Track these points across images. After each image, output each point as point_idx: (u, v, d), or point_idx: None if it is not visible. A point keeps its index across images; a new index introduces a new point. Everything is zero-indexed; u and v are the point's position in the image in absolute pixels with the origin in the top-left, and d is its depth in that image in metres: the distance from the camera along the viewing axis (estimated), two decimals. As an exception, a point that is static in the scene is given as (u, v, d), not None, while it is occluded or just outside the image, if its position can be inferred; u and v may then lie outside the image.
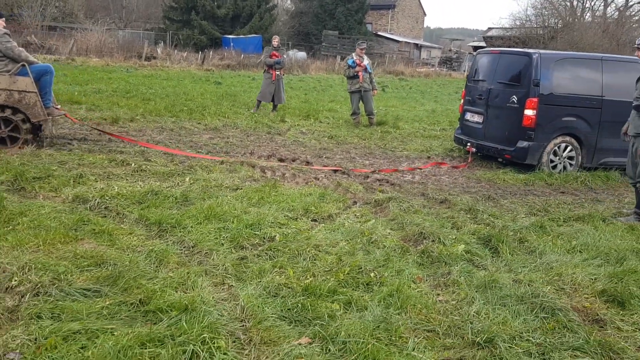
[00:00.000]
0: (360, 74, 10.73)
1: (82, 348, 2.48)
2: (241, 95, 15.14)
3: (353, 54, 11.06)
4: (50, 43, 26.23)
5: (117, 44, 27.71)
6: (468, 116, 8.56)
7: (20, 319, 2.74)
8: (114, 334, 2.61)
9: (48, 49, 25.19)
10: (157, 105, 11.39)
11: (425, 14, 55.33)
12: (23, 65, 6.53)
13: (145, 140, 7.92)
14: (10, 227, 3.98)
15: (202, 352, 2.49)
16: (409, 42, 46.30)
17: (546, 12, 37.67)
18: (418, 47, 48.05)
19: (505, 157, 7.72)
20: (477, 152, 8.25)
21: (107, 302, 2.93)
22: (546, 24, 37.11)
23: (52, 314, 2.77)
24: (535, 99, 7.31)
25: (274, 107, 12.24)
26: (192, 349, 2.50)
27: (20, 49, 6.64)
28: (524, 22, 38.89)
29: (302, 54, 34.20)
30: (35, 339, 2.53)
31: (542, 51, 7.70)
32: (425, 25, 59.34)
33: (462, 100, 8.93)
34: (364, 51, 10.98)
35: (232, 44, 35.60)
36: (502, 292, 3.37)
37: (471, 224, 4.84)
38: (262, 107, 12.30)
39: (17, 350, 2.43)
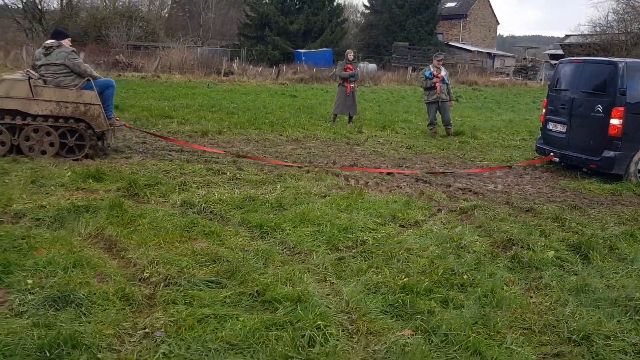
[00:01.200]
0: (437, 85, 10.88)
1: (214, 329, 2.85)
2: (317, 107, 15.61)
3: (430, 65, 11.23)
4: (137, 61, 28.02)
5: (196, 60, 29.17)
6: (550, 126, 8.51)
7: (157, 304, 3.15)
8: (239, 319, 2.96)
9: (135, 66, 26.90)
10: (240, 119, 12.01)
11: (498, 23, 54.27)
12: (88, 80, 7.15)
13: (235, 151, 8.44)
14: (133, 227, 4.47)
15: (318, 337, 2.79)
16: (481, 52, 45.57)
17: (629, 18, 35.91)
18: (491, 56, 47.17)
19: (590, 167, 7.62)
20: (560, 161, 8.19)
21: (229, 292, 3.30)
22: (629, 29, 35.40)
23: (184, 300, 3.17)
24: (621, 108, 7.21)
25: (350, 118, 12.57)
26: (309, 334, 2.80)
27: (86, 65, 7.30)
28: (605, 28, 37.27)
29: (372, 66, 34.50)
30: (175, 321, 2.92)
31: (628, 60, 7.58)
32: (498, 34, 58.14)
33: (543, 110, 8.88)
34: (441, 62, 11.13)
35: (303, 58, 36.50)
36: (595, 295, 3.47)
37: (559, 232, 4.90)
38: (338, 119, 12.66)
39: (162, 329, 2.83)
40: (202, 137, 9.65)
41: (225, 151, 8.20)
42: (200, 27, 48.49)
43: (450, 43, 45.99)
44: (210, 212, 5.07)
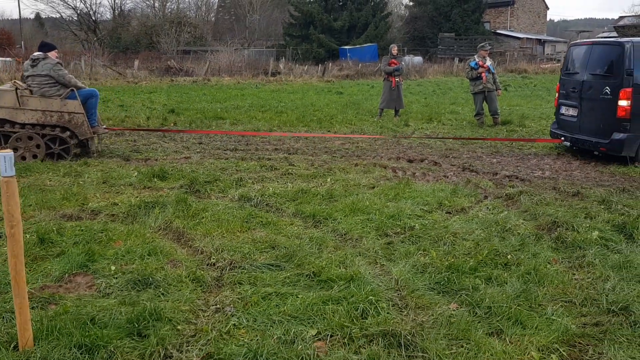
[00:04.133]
0: (483, 75, 10.92)
1: (277, 305, 3.18)
2: (363, 103, 15.84)
3: (475, 55, 11.27)
4: (188, 66, 29.01)
5: (244, 62, 29.94)
6: (563, 110, 8.51)
7: (225, 285, 3.52)
8: (298, 296, 3.28)
9: (186, 71, 27.87)
10: (289, 117, 12.40)
11: (547, 7, 52.70)
12: (72, 90, 7.51)
13: (286, 148, 8.81)
14: (197, 220, 4.88)
15: (371, 310, 3.08)
16: (530, 38, 44.44)
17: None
18: (541, 42, 45.91)
19: (600, 150, 7.59)
20: (572, 146, 8.17)
21: (288, 274, 3.63)
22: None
23: (249, 281, 3.52)
24: (629, 89, 7.14)
25: (396, 112, 12.75)
26: (362, 307, 3.09)
27: (70, 75, 7.63)
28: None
29: (418, 59, 34.33)
30: (242, 298, 3.27)
31: (634, 39, 7.47)
32: (548, 19, 56.44)
33: (557, 94, 8.86)
34: (487, 53, 11.16)
35: (348, 54, 36.74)
36: (636, 270, 3.60)
37: (605, 214, 4.99)
38: (385, 114, 12.86)
39: (231, 305, 3.19)
40: (253, 136, 10.08)
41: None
42: (246, 29, 49.48)
43: (498, 31, 45.06)
44: (266, 204, 5.42)
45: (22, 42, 40.06)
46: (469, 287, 3.43)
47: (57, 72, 7.40)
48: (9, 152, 2.43)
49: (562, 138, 8.29)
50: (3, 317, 2.97)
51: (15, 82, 7.56)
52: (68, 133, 7.43)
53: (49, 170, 6.72)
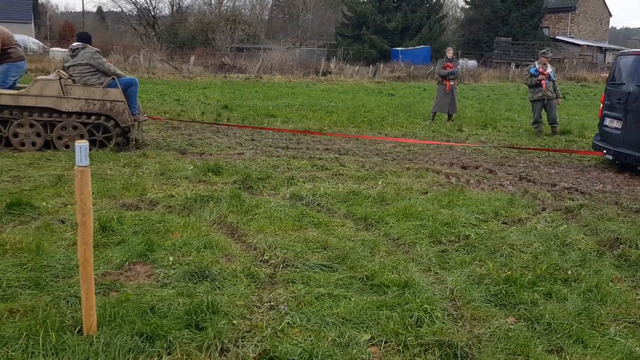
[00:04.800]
0: (543, 82, 10.62)
1: (330, 306, 3.18)
2: (415, 105, 15.67)
3: (536, 62, 10.97)
4: (241, 63, 29.45)
5: (295, 61, 30.16)
6: (607, 122, 8.11)
7: (278, 283, 3.54)
8: (351, 299, 3.27)
9: (239, 68, 28.30)
10: (339, 117, 12.40)
11: (610, 14, 50.75)
12: (113, 79, 7.68)
13: (336, 148, 8.82)
14: (250, 216, 4.94)
15: (425, 318, 3.03)
16: (591, 46, 42.88)
17: None
18: (602, 50, 44.23)
19: None
20: (615, 159, 7.78)
21: (340, 276, 3.63)
22: None
23: (302, 280, 3.54)
24: None
25: (449, 116, 12.56)
26: (417, 315, 3.05)
27: (109, 63, 7.80)
28: None
29: (472, 63, 33.72)
30: (295, 297, 3.29)
31: None
32: (610, 26, 54.34)
33: (601, 105, 8.46)
34: (548, 60, 10.84)
35: (400, 55, 36.42)
36: None
37: (673, 233, 4.75)
38: (437, 118, 12.68)
39: (285, 304, 3.21)
40: (304, 135, 10.12)
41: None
42: (298, 28, 49.85)
43: (557, 37, 43.72)
44: (318, 204, 5.43)
45: (85, 35, 41.54)
46: (528, 302, 3.33)
47: (96, 60, 7.59)
48: (84, 143, 2.53)
49: (605, 151, 7.91)
50: (68, 301, 3.09)
51: (59, 71, 7.78)
52: (112, 122, 7.63)
53: (110, 160, 6.95)
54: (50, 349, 2.59)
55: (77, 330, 2.76)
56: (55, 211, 4.80)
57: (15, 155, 7.10)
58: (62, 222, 4.51)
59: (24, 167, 6.42)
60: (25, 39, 31.46)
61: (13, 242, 3.88)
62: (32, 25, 45.99)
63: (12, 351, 2.58)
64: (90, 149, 7.52)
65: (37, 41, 36.06)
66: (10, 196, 5.03)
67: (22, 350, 2.59)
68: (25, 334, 2.68)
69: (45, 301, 3.07)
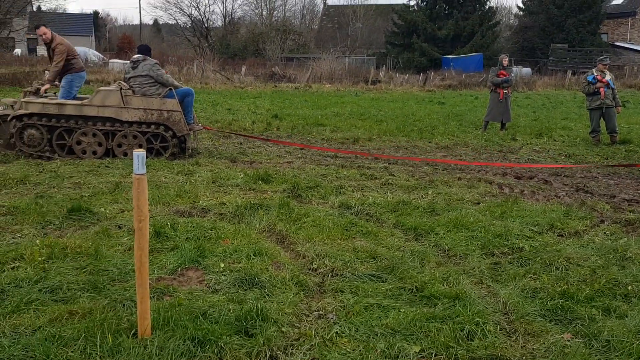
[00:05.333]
0: (601, 90, 10.22)
1: (379, 317, 3.15)
2: (467, 114, 15.41)
3: (593, 69, 10.58)
4: (290, 72, 29.82)
5: (344, 70, 30.26)
6: None
7: (327, 292, 3.55)
8: (400, 310, 3.23)
9: (288, 78, 28.66)
10: (389, 126, 12.33)
11: (675, 18, 48.35)
12: (170, 89, 7.83)
13: (385, 157, 8.77)
14: (299, 225, 4.97)
15: (477, 332, 2.96)
16: (653, 51, 40.96)
17: None
18: (666, 55, 42.17)
19: None
20: None
21: (389, 286, 3.59)
22: None
23: (350, 290, 3.53)
24: None
25: (503, 125, 12.26)
26: (468, 328, 2.98)
27: (167, 75, 7.97)
28: None
29: (527, 70, 32.90)
30: (344, 307, 3.28)
31: None
32: (675, 30, 51.76)
33: None
34: (607, 67, 10.43)
35: (452, 63, 35.96)
36: None
37: None
38: (490, 127, 12.41)
39: (333, 313, 3.20)
40: (353, 144, 10.12)
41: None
42: (348, 37, 50.06)
43: (616, 43, 42.06)
44: (366, 214, 5.41)
45: (142, 47, 43.14)
46: (585, 317, 3.20)
47: (155, 72, 7.83)
48: (142, 152, 2.62)
49: None
50: (124, 305, 3.20)
51: (119, 82, 8.07)
52: (170, 132, 7.87)
53: (164, 168, 7.16)
54: (107, 351, 2.69)
55: (132, 333, 2.85)
56: (113, 217, 4.98)
57: (76, 162, 7.42)
58: (119, 227, 4.67)
59: (84, 174, 6.71)
60: (86, 50, 33.00)
61: (73, 246, 4.05)
62: (93, 37, 48.18)
63: (72, 352, 2.68)
64: (146, 157, 7.91)
65: (97, 53, 37.73)
66: (71, 202, 5.27)
67: (81, 352, 2.69)
68: (83, 335, 2.79)
69: (102, 304, 3.18)
